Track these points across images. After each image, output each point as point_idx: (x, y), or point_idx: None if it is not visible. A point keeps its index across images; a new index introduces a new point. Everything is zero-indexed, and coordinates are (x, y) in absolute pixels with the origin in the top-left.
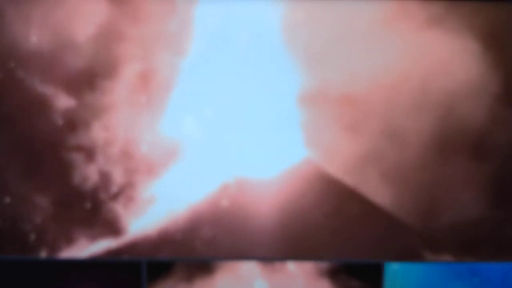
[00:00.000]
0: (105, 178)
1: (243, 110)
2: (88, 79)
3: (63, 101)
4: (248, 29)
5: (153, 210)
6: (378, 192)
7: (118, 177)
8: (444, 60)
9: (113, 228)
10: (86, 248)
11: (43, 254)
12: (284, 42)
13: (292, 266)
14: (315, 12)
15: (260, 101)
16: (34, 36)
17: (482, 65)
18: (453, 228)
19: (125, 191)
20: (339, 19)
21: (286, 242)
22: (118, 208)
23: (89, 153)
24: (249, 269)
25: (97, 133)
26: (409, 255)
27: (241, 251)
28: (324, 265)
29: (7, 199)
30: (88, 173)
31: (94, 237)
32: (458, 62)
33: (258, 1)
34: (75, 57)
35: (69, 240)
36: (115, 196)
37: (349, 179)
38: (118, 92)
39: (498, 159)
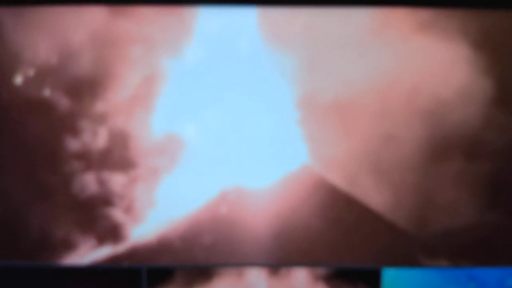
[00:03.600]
0: (104, 185)
1: (241, 118)
2: (88, 86)
3: (62, 108)
4: (246, 36)
5: (153, 217)
6: (374, 198)
7: (118, 184)
8: (435, 66)
9: (113, 235)
10: (86, 255)
11: (44, 261)
12: (280, 50)
13: (290, 272)
14: (310, 21)
15: (258, 110)
16: (34, 45)
17: (474, 71)
18: (448, 233)
19: (125, 198)
20: (332, 28)
21: (284, 249)
22: (118, 215)
23: (89, 160)
24: (248, 275)
25: (97, 140)
26: (406, 260)
27: (240, 257)
28: (322, 271)
29: (8, 205)
30: (88, 180)
31: (94, 244)
32: (449, 68)
33: (254, 10)
34: (74, 64)
35: (70, 247)
36: (115, 203)
37: (345, 186)
38: (118, 99)
39: (492, 163)
